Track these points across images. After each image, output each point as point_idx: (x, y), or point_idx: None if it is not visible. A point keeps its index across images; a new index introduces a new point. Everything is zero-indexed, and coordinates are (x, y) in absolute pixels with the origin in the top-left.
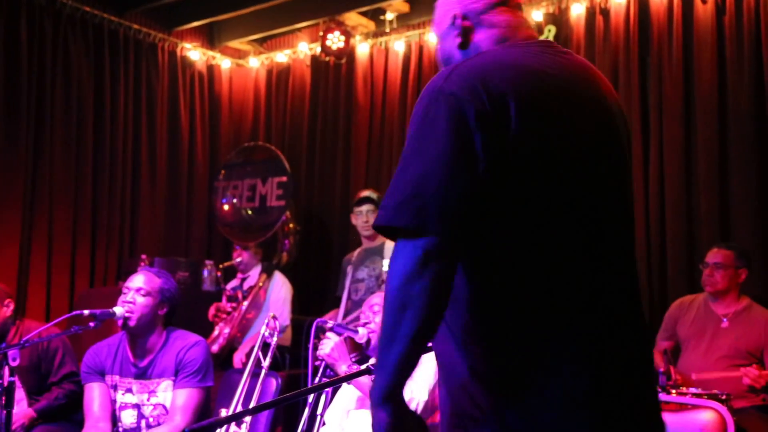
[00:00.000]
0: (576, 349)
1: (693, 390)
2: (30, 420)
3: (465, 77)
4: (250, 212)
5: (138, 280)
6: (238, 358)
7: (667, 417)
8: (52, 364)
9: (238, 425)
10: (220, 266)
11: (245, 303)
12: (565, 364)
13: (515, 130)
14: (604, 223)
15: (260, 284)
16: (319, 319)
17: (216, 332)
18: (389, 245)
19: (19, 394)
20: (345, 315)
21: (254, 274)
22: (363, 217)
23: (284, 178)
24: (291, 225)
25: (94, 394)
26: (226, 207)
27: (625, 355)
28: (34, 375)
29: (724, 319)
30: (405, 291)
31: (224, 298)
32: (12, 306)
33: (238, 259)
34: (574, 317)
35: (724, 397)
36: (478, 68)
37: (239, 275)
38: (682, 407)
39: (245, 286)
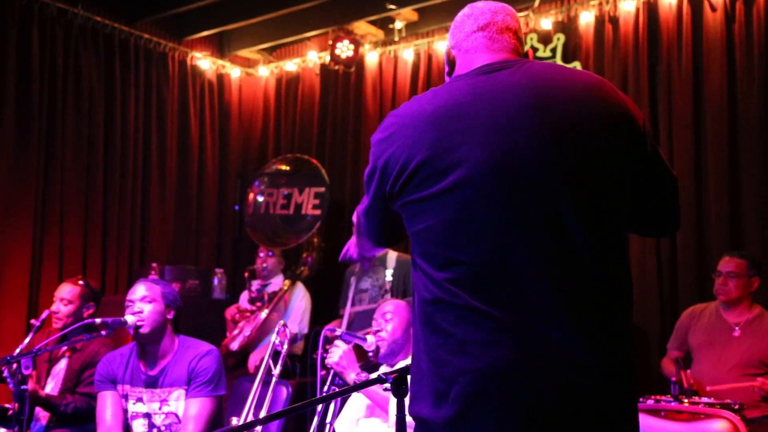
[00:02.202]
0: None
1: (705, 399)
2: (33, 393)
3: (378, 130)
4: (279, 218)
5: (139, 290)
6: (252, 361)
7: (680, 426)
8: (89, 374)
9: None
10: (249, 269)
11: (267, 308)
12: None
13: (391, 167)
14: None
15: (285, 288)
16: (327, 327)
17: (237, 331)
18: (392, 255)
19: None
20: (348, 325)
21: (276, 281)
22: None
23: (322, 189)
24: (316, 240)
25: (107, 403)
26: (260, 199)
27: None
28: (76, 379)
29: (736, 328)
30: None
31: (245, 298)
32: (93, 309)
33: (264, 265)
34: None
35: (737, 406)
36: (385, 121)
37: (260, 281)
38: (694, 416)
39: (269, 290)
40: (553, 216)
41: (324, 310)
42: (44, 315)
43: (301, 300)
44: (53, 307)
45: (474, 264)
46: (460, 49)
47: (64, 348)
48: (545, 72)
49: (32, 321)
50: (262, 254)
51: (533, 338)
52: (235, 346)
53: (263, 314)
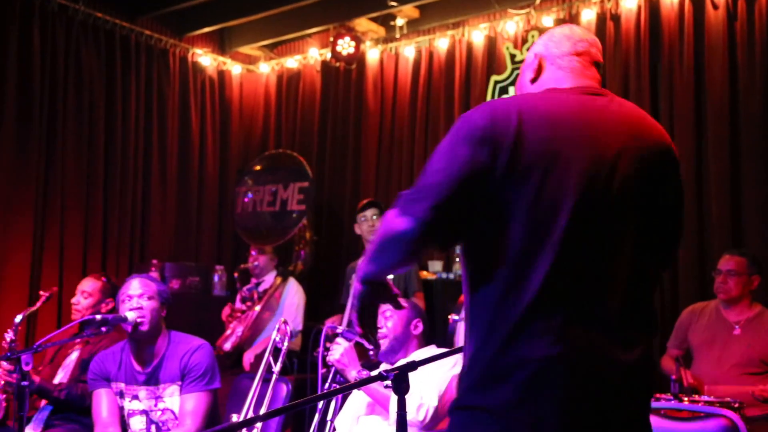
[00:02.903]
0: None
1: (705, 398)
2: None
3: (489, 109)
4: (268, 215)
5: (136, 286)
6: (247, 359)
7: (680, 425)
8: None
9: (250, 430)
10: (240, 267)
11: (260, 305)
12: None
13: (511, 157)
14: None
15: (276, 285)
16: (328, 325)
17: (229, 331)
18: None
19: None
20: (349, 323)
21: (269, 278)
22: (368, 222)
23: (306, 184)
24: (308, 234)
25: (102, 400)
26: (249, 209)
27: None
28: (83, 370)
29: (736, 327)
30: (384, 244)
31: (238, 298)
32: (112, 305)
33: (255, 263)
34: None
35: (736, 405)
36: (501, 104)
37: (253, 279)
38: (694, 415)
39: (260, 289)
40: (622, 242)
41: (320, 305)
42: (48, 294)
43: (293, 296)
44: (73, 300)
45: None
46: (553, 63)
47: (77, 340)
48: (633, 110)
49: (41, 293)
50: (254, 252)
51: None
52: (227, 346)
53: (255, 311)
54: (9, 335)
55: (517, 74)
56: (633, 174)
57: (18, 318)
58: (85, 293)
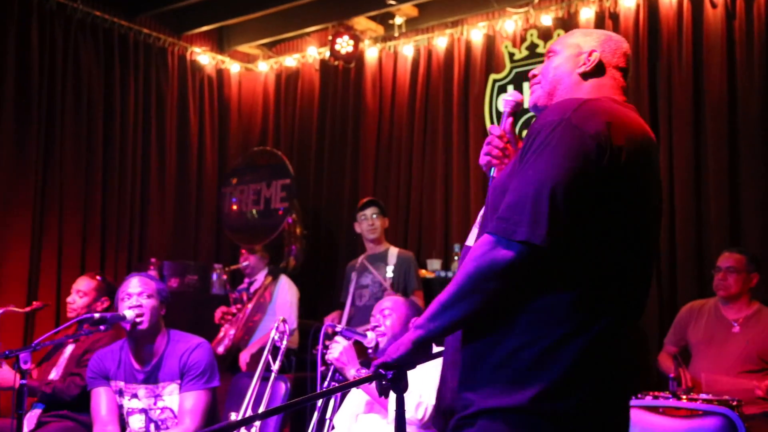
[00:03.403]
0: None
1: (703, 396)
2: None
3: (594, 116)
4: (255, 214)
5: (135, 284)
6: (243, 359)
7: (677, 423)
8: (86, 359)
9: (248, 429)
10: (227, 269)
11: (250, 305)
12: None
13: (621, 171)
14: (638, 264)
15: (265, 285)
16: (327, 323)
17: (221, 334)
18: (393, 251)
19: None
20: (349, 321)
21: (261, 277)
22: (368, 221)
23: (287, 181)
24: (298, 230)
25: (101, 399)
26: (234, 207)
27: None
28: (76, 365)
29: (735, 324)
30: (479, 283)
31: (230, 301)
32: (107, 304)
33: (245, 263)
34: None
35: (735, 403)
36: (603, 111)
37: (246, 279)
38: (692, 413)
39: (251, 289)
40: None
41: (318, 303)
42: (40, 305)
43: (285, 294)
44: (69, 299)
45: None
46: (609, 69)
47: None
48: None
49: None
50: (244, 252)
51: None
52: (221, 350)
53: (245, 312)
54: None
55: (539, 63)
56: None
57: None
58: (80, 292)
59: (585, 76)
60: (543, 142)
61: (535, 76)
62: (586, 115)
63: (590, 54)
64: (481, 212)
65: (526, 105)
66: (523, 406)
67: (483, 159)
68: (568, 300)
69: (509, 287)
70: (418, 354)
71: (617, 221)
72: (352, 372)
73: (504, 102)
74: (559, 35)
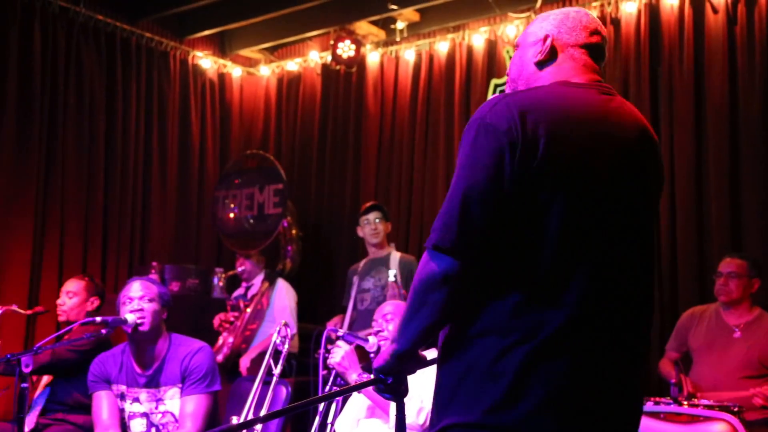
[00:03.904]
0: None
1: (705, 401)
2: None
3: (507, 111)
4: (251, 221)
5: (137, 288)
6: (243, 364)
7: (679, 428)
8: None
9: None
10: (223, 276)
11: (248, 312)
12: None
13: (539, 163)
14: (609, 252)
15: (262, 291)
16: (329, 327)
17: (220, 342)
18: (395, 255)
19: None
20: (351, 325)
21: (258, 282)
22: (371, 225)
23: (280, 185)
24: (293, 231)
25: (102, 403)
26: (231, 215)
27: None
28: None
29: (736, 330)
30: (423, 295)
31: (228, 308)
32: (97, 303)
33: (241, 269)
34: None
35: (736, 409)
36: (521, 104)
37: (243, 284)
38: (693, 419)
39: (249, 294)
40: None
41: (319, 307)
42: (42, 310)
43: (283, 298)
44: (58, 300)
45: None
46: (565, 51)
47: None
48: (636, 112)
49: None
50: (240, 257)
51: None
52: (219, 358)
53: (243, 320)
54: None
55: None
56: (644, 175)
57: None
58: (69, 293)
59: (540, 64)
60: (462, 145)
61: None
62: (502, 109)
63: (544, 40)
64: None
65: None
66: (476, 422)
67: None
68: (509, 308)
69: (450, 296)
70: (404, 363)
71: (549, 217)
72: (353, 377)
73: None
74: None
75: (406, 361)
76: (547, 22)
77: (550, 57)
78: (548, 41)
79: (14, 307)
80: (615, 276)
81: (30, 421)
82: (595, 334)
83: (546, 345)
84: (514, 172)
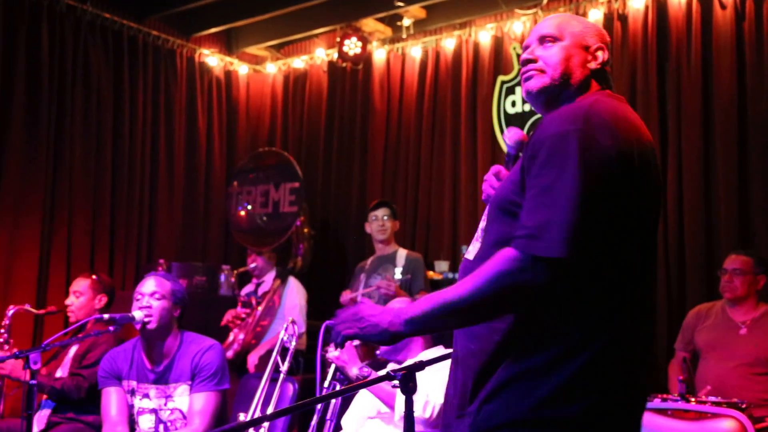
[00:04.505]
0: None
1: (712, 398)
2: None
3: (604, 122)
4: (264, 218)
5: (150, 285)
6: (251, 361)
7: (687, 425)
8: (90, 356)
9: (257, 430)
10: (235, 272)
11: (259, 309)
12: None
13: (635, 181)
14: (649, 270)
15: (274, 288)
16: (328, 322)
17: (231, 338)
18: (401, 253)
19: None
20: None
21: (269, 279)
22: (379, 222)
23: (296, 184)
24: (306, 230)
25: (112, 399)
26: (242, 213)
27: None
28: (79, 363)
29: (743, 327)
30: (498, 299)
31: (239, 304)
32: (105, 301)
33: (253, 265)
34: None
35: (744, 405)
36: (614, 116)
37: (254, 281)
38: (701, 415)
39: (260, 291)
40: None
41: (326, 304)
42: (54, 310)
43: (294, 297)
44: (67, 301)
45: None
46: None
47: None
48: None
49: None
50: (252, 254)
51: None
52: (229, 354)
53: (254, 317)
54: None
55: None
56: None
57: (10, 311)
58: (77, 293)
59: (592, 72)
60: (553, 154)
61: (531, 61)
62: (598, 121)
63: (598, 50)
64: (481, 225)
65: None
66: (525, 417)
67: (484, 195)
68: (581, 313)
69: (532, 305)
70: (403, 337)
71: (634, 230)
72: (354, 371)
73: (508, 146)
74: None
75: (408, 334)
76: (593, 33)
77: (601, 68)
78: (603, 55)
79: (27, 307)
80: (649, 284)
81: (41, 419)
82: (636, 341)
83: (607, 351)
84: (617, 184)
